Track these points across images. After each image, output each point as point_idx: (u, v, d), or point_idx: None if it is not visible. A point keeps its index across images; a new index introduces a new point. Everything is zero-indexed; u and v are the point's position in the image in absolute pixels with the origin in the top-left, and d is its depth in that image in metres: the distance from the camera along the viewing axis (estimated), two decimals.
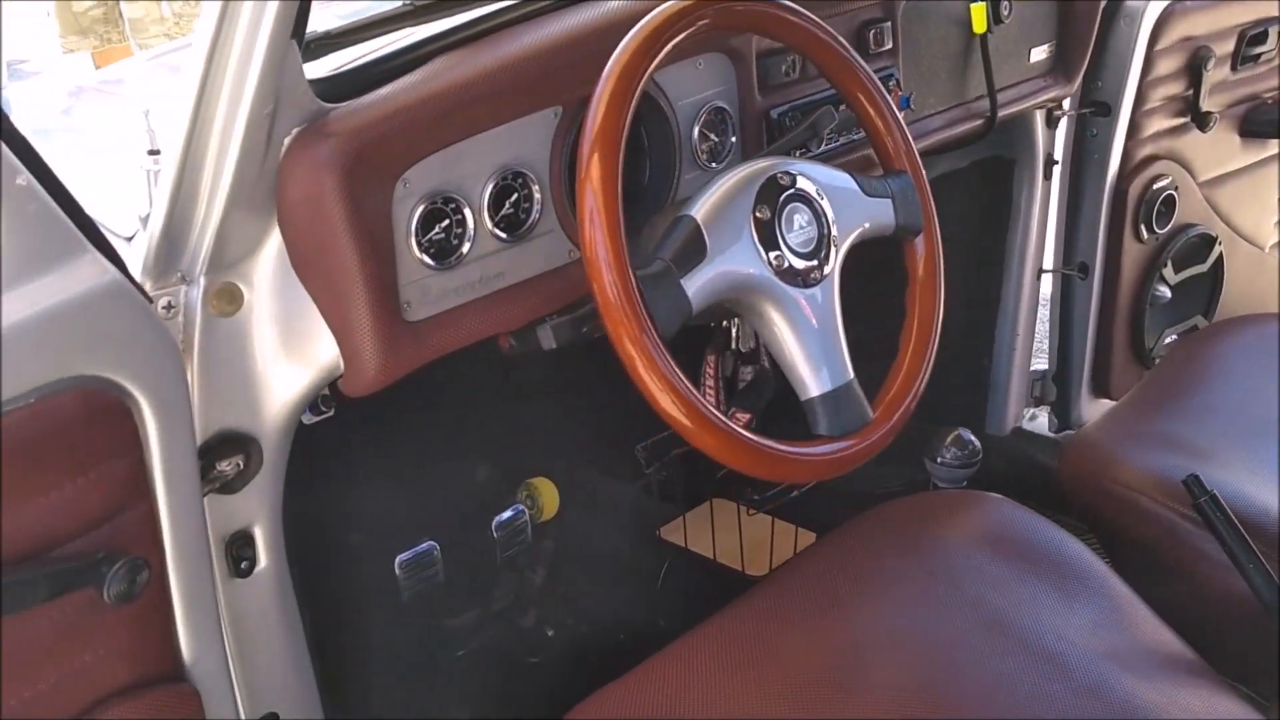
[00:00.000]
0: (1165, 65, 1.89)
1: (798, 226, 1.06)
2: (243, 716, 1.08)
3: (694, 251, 1.01)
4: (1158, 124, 1.95)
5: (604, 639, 1.80)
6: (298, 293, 1.04)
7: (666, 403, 0.99)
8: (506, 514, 1.70)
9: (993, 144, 1.93)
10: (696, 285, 1.00)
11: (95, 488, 0.87)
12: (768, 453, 1.03)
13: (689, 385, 0.99)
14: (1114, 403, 2.13)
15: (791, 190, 1.07)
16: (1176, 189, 2.00)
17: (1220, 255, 2.14)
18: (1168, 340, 2.15)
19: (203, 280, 1.00)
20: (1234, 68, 2.00)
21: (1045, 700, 1.05)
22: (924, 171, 1.20)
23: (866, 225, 1.13)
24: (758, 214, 1.04)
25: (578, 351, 1.93)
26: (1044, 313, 2.15)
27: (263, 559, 1.11)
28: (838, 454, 1.08)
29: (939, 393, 1.88)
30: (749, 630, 1.15)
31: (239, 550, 1.08)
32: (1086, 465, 1.44)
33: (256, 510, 1.09)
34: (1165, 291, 2.11)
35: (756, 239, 1.04)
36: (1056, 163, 1.94)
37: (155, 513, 0.92)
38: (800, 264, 1.07)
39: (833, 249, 1.09)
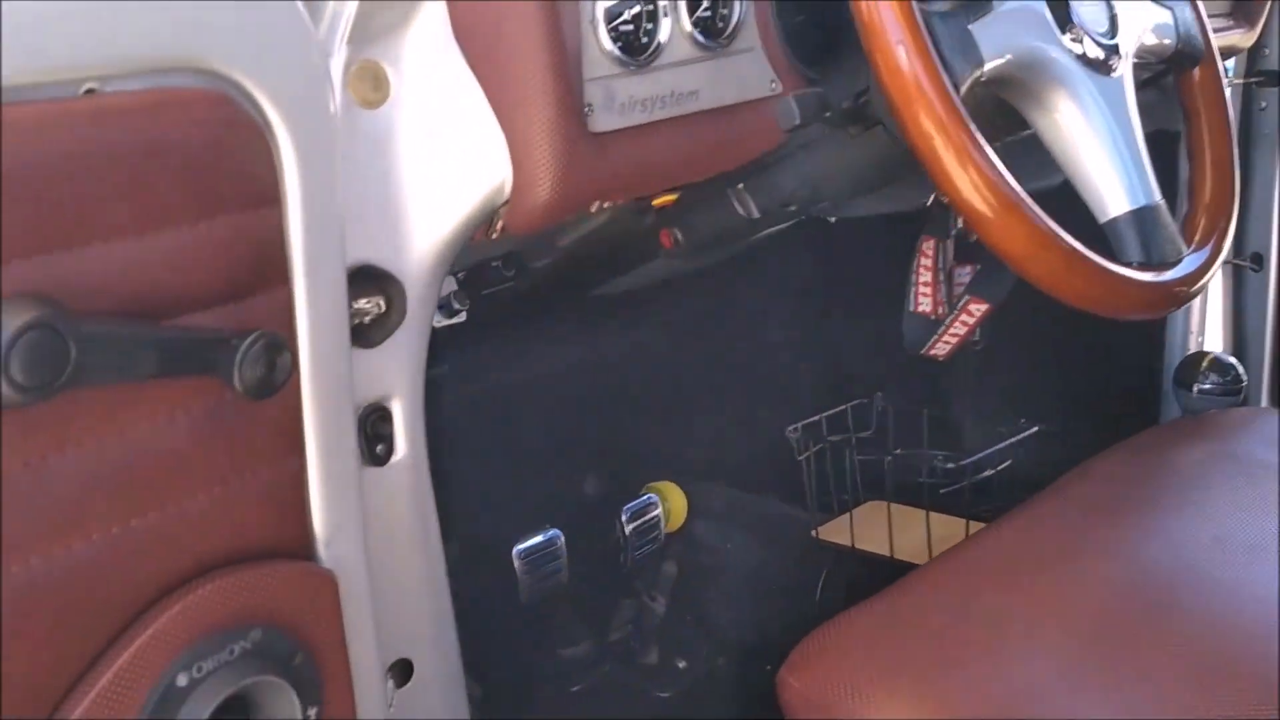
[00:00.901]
0: None
1: None
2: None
3: None
4: None
5: (748, 666, 1.51)
6: (459, 84, 0.82)
7: (964, 182, 0.76)
8: (637, 502, 1.43)
9: (1154, 116, 1.75)
10: (987, 36, 0.79)
11: (222, 243, 0.63)
12: (1089, 266, 0.80)
13: (995, 161, 0.77)
14: None
15: None
16: None
17: None
18: None
19: (343, 51, 0.79)
20: None
21: None
22: None
23: (1148, 33, 0.93)
24: None
25: (718, 315, 1.72)
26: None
27: (401, 447, 0.85)
28: (1165, 284, 0.84)
29: (1104, 411, 1.64)
30: (1028, 539, 0.89)
31: (375, 427, 0.83)
32: None
33: (396, 379, 0.85)
34: None
35: (1048, 6, 0.84)
36: None
37: (292, 306, 0.68)
38: (1095, 50, 0.86)
39: (1121, 39, 0.88)
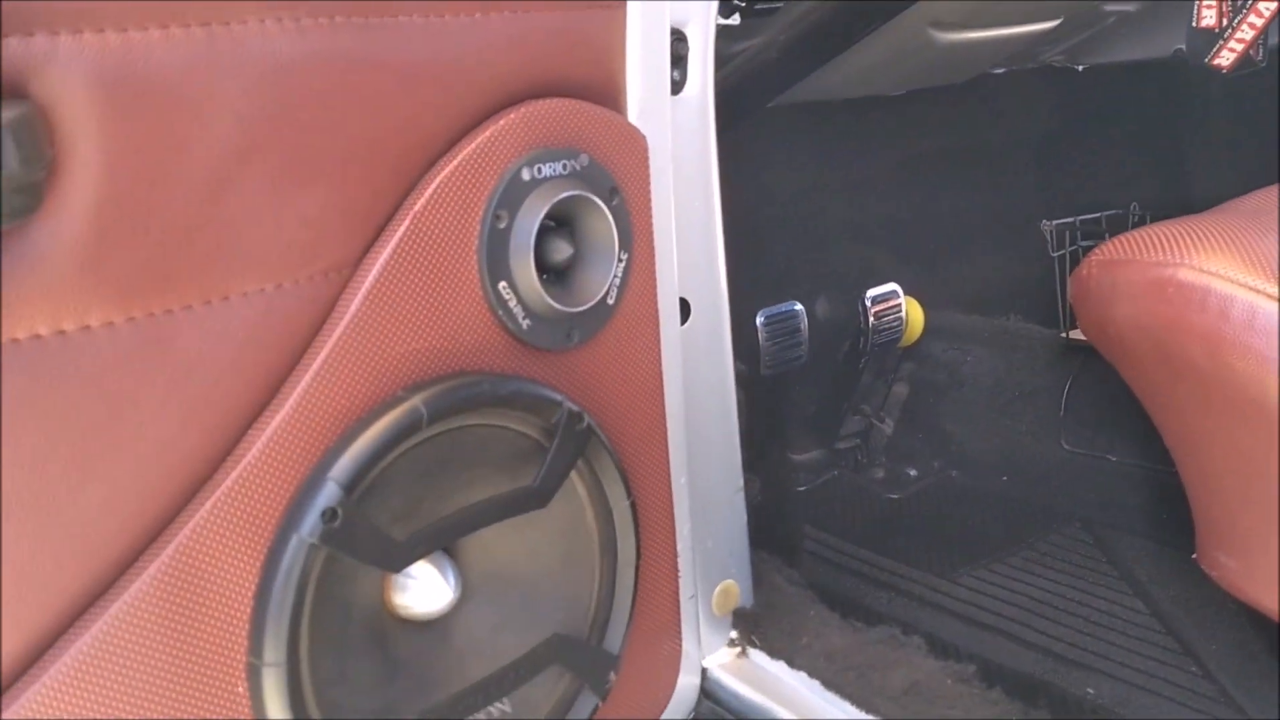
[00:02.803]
0: None
1: None
2: None
3: None
4: None
5: (983, 477, 1.48)
6: None
7: None
8: (882, 290, 1.43)
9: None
10: None
11: None
12: None
13: None
14: None
15: None
16: None
17: None
18: None
19: None
20: None
21: None
22: None
23: None
24: None
25: (959, 150, 1.70)
26: None
27: (694, 79, 0.88)
28: None
29: None
30: None
31: (674, 48, 0.86)
32: None
33: (693, 6, 0.88)
34: None
35: None
36: None
37: None
38: None
39: None
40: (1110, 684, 1.05)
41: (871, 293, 1.42)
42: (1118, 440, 1.40)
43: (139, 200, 0.53)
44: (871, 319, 1.42)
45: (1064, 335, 1.46)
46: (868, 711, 0.90)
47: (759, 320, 1.36)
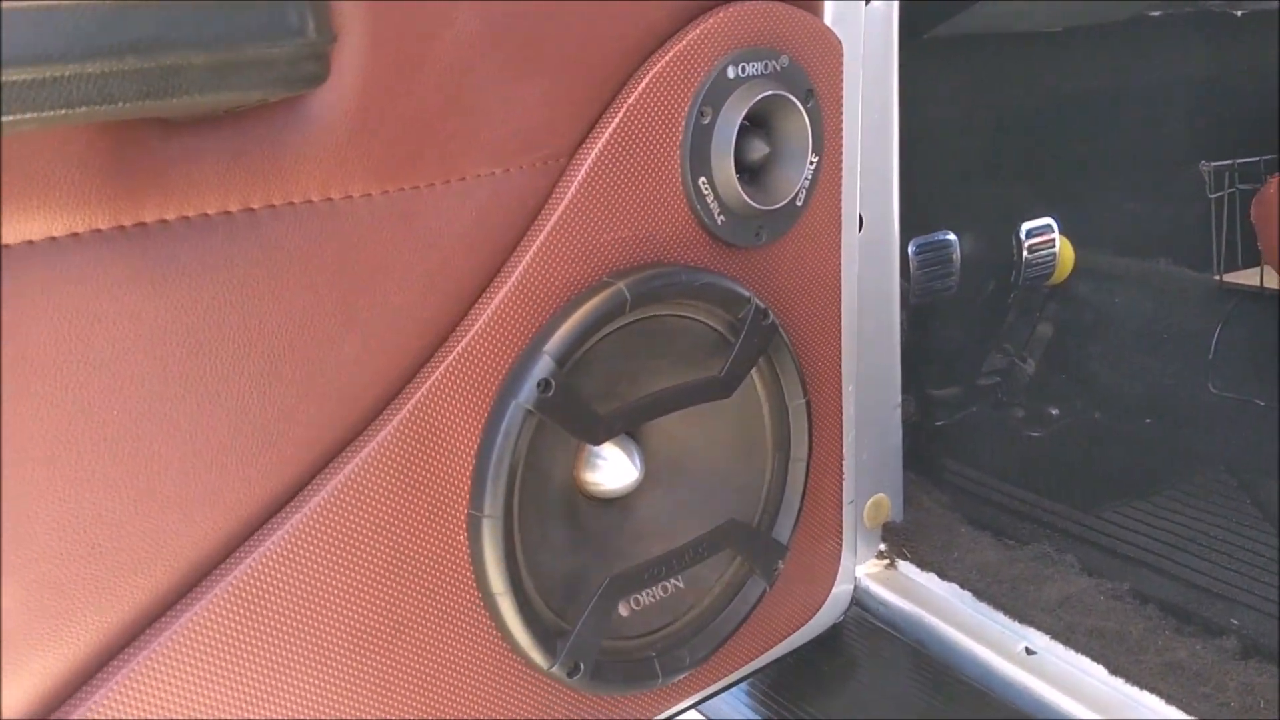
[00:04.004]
0: None
1: None
2: None
3: None
4: None
5: (1128, 420, 1.47)
6: None
7: None
8: (1037, 224, 1.43)
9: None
10: None
11: None
12: None
13: None
14: None
15: None
16: None
17: None
18: None
19: None
20: None
21: None
22: None
23: None
24: None
25: (1110, 90, 1.68)
26: None
27: None
28: None
29: None
30: None
31: None
32: None
33: None
34: None
35: None
36: None
37: None
38: None
39: None
40: (1255, 617, 1.06)
41: (1026, 226, 1.42)
42: (1267, 385, 1.38)
43: (395, 83, 0.58)
44: (1025, 253, 1.42)
45: (1218, 278, 1.44)
46: (1021, 622, 0.92)
47: (911, 249, 1.37)
